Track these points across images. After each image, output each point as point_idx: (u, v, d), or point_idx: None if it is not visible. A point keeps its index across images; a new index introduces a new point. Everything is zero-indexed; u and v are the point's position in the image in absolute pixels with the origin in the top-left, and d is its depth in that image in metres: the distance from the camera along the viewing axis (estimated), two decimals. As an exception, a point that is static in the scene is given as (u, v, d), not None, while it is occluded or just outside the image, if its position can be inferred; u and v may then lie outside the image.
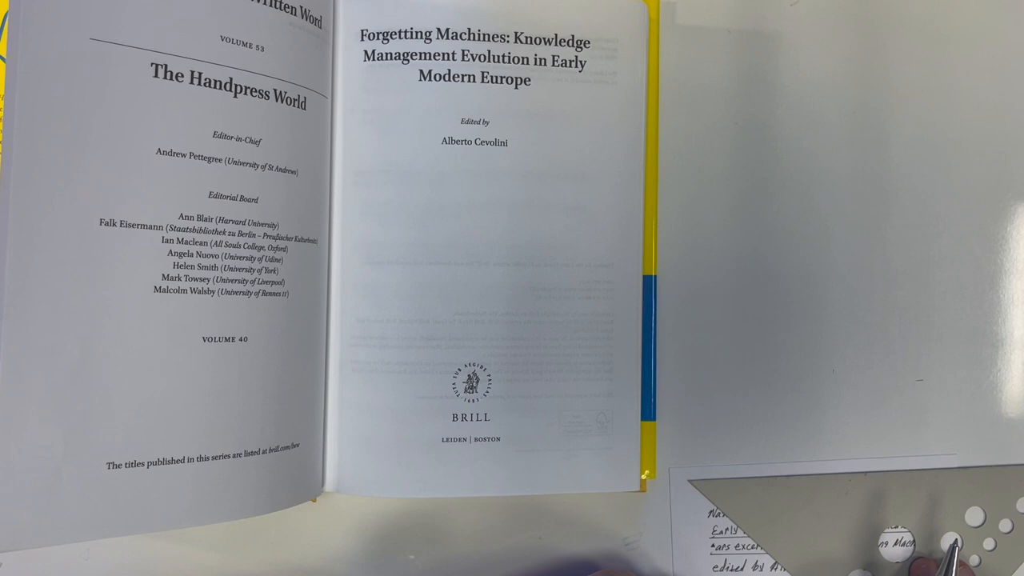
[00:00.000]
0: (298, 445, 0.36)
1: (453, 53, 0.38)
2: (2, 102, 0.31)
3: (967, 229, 0.44)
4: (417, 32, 0.38)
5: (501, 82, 0.38)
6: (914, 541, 0.42)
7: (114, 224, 0.32)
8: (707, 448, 0.41)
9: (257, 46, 0.35)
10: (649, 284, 0.40)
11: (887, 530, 0.41)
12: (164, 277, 0.33)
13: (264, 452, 0.35)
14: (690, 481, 0.41)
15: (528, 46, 0.39)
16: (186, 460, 0.33)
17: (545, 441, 0.38)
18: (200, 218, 0.34)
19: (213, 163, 0.34)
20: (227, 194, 0.34)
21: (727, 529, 0.41)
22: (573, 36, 0.39)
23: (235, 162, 0.34)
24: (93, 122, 0.32)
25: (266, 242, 0.35)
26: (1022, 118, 0.44)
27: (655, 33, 0.40)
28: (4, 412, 0.30)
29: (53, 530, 0.30)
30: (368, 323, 0.38)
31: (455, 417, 0.38)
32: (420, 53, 0.38)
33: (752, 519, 0.41)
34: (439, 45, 0.38)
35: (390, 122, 0.38)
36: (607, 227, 0.39)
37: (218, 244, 0.34)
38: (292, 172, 0.36)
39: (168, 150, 0.33)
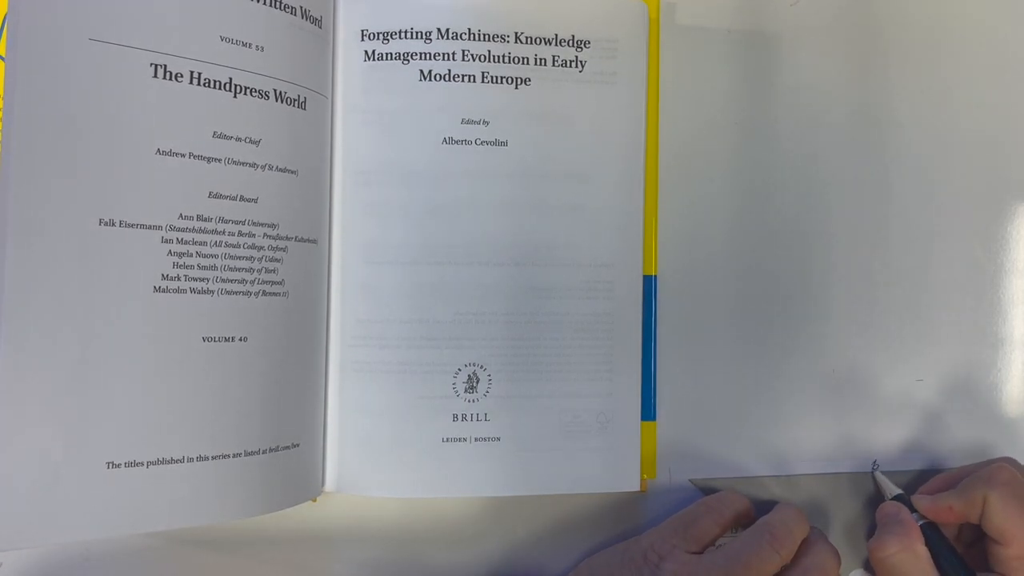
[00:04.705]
0: (298, 445, 0.36)
1: (453, 53, 0.38)
2: (2, 102, 0.31)
3: (967, 229, 0.44)
4: (417, 32, 0.38)
5: (501, 82, 0.38)
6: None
7: (113, 224, 0.32)
8: (707, 448, 0.41)
9: (257, 46, 0.35)
10: (649, 284, 0.40)
11: (887, 530, 0.41)
12: (164, 277, 0.33)
13: (264, 452, 0.35)
14: (690, 481, 0.41)
15: (528, 46, 0.39)
16: (186, 460, 0.33)
17: (545, 441, 0.38)
18: (200, 218, 0.34)
19: (213, 163, 0.34)
20: (227, 194, 0.34)
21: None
22: (573, 36, 0.39)
23: (235, 162, 0.34)
24: (92, 122, 0.32)
25: (266, 242, 0.35)
26: (1022, 118, 0.44)
27: (655, 33, 0.40)
28: (4, 412, 0.30)
29: (53, 529, 0.30)
30: (368, 323, 0.38)
31: (455, 417, 0.38)
32: (420, 53, 0.38)
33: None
34: (439, 45, 0.38)
35: (390, 122, 0.38)
36: (607, 227, 0.39)
37: (218, 244, 0.34)
38: (292, 172, 0.36)
39: (167, 150, 0.33)
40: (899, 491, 0.40)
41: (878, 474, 0.41)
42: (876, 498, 0.41)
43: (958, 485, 0.37)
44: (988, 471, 0.36)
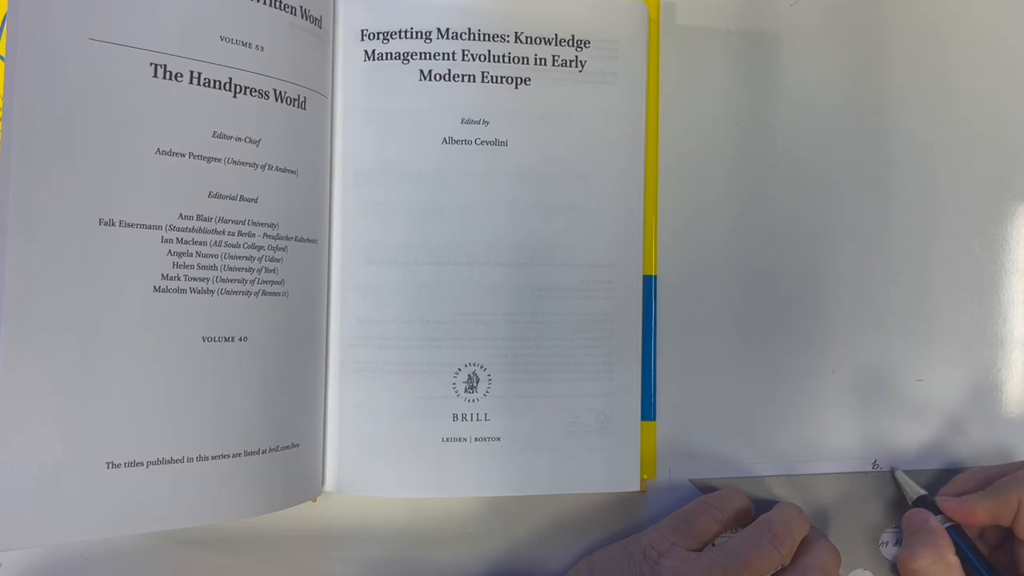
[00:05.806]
0: (298, 445, 0.36)
1: (453, 53, 0.38)
2: (2, 102, 0.31)
3: (967, 229, 0.44)
4: (417, 32, 0.38)
5: (501, 82, 0.38)
6: (914, 541, 0.41)
7: (114, 224, 0.32)
8: (707, 448, 0.41)
9: (257, 46, 0.35)
10: (649, 284, 0.40)
11: (887, 530, 0.41)
12: (164, 277, 0.33)
13: (264, 452, 0.35)
14: (690, 481, 0.41)
15: (528, 46, 0.39)
16: (186, 460, 0.33)
17: (545, 441, 0.38)
18: (200, 218, 0.34)
19: (212, 163, 0.34)
20: (227, 194, 0.34)
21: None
22: (573, 36, 0.39)
23: (235, 162, 0.34)
24: (92, 122, 0.32)
25: (266, 242, 0.35)
26: (1022, 118, 0.44)
27: (655, 33, 0.40)
28: (4, 412, 0.30)
29: (53, 529, 0.30)
30: (368, 323, 0.38)
31: (455, 417, 0.38)
32: (420, 53, 0.38)
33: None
34: (439, 45, 0.38)
35: (390, 122, 0.38)
36: (607, 227, 0.39)
37: (218, 244, 0.34)
38: (292, 172, 0.36)
39: (167, 150, 0.33)
40: (923, 492, 0.39)
41: (899, 474, 0.41)
42: (883, 497, 0.41)
43: (989, 487, 0.37)
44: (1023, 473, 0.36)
